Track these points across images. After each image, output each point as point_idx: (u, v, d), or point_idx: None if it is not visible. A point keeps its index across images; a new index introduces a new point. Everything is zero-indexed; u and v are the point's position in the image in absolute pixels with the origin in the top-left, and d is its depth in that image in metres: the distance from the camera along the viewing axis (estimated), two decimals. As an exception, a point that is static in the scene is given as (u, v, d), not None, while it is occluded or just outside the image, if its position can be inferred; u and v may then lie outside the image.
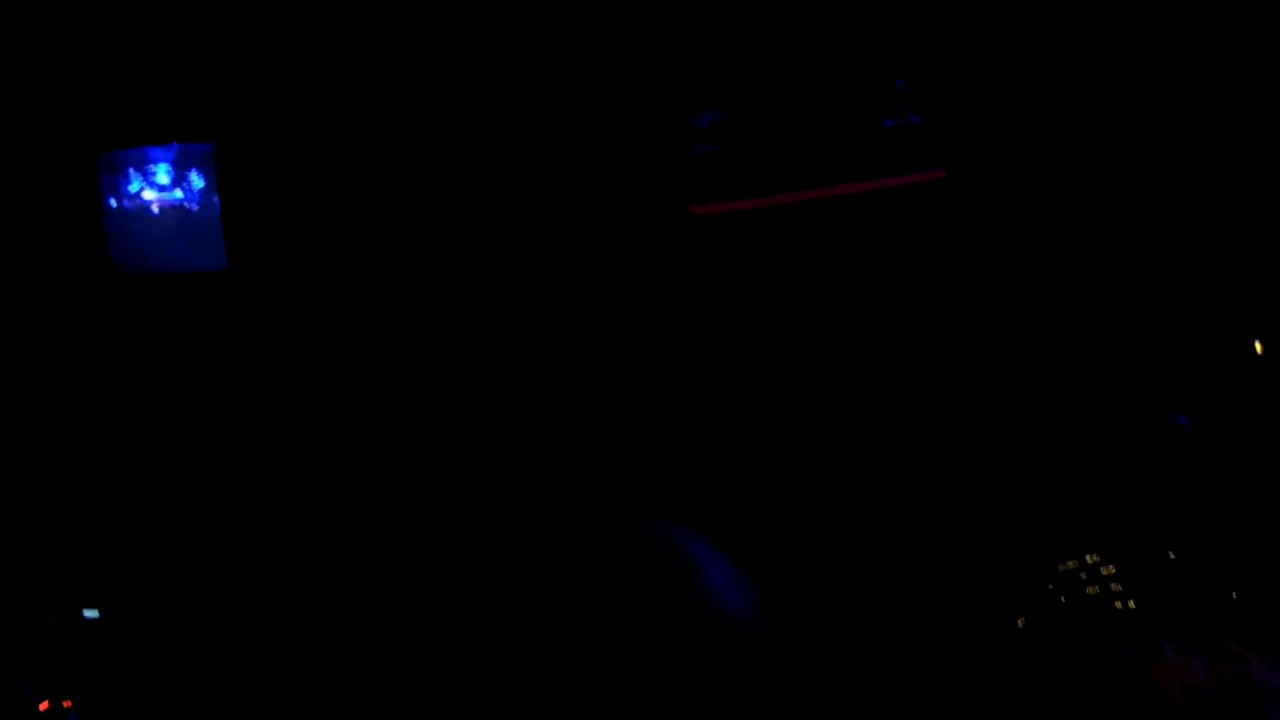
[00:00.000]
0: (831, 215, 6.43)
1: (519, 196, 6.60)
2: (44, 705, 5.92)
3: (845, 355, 6.49)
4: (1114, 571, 6.16)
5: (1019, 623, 6.23)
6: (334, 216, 6.76)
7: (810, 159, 6.45)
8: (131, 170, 6.87)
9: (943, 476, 6.42)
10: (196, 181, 6.84)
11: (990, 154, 6.37)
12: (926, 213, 6.36)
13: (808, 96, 6.45)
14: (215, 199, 6.81)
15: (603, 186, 6.52)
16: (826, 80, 6.45)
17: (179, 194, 6.85)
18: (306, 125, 6.72)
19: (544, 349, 6.62)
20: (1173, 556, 6.11)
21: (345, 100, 6.66)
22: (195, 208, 6.84)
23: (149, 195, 6.85)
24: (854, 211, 6.42)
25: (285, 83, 6.68)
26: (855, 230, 6.42)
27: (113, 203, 6.81)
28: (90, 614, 6.55)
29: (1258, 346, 6.22)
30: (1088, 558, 6.16)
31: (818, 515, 6.41)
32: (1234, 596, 6.00)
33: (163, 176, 6.86)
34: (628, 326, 6.58)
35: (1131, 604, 6.16)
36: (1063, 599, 6.18)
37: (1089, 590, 6.18)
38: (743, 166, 6.48)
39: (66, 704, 6.02)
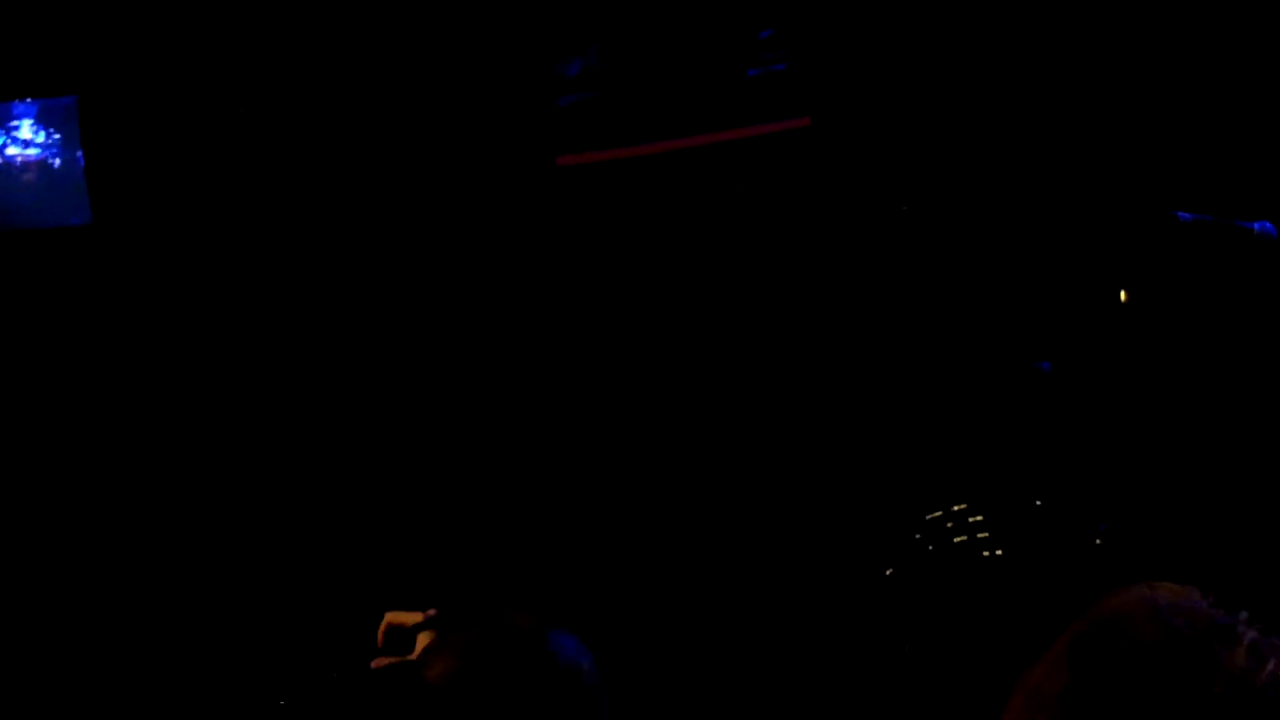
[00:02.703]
0: (699, 164, 6.41)
1: (384, 143, 6.54)
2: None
3: (713, 307, 6.45)
4: (981, 519, 6.14)
5: (887, 573, 6.20)
6: (200, 170, 6.69)
7: (678, 108, 6.42)
8: (-6, 125, 6.78)
9: (808, 426, 6.40)
10: (59, 135, 6.75)
11: (857, 101, 6.35)
12: (792, 160, 6.34)
13: (674, 46, 6.42)
14: (79, 153, 6.74)
15: (466, 136, 6.48)
16: (693, 30, 6.42)
17: (40, 149, 6.76)
18: (171, 77, 6.65)
19: (409, 307, 6.56)
20: (1039, 503, 6.10)
21: (208, 51, 6.59)
22: (58, 162, 6.76)
23: (11, 150, 6.76)
24: (722, 159, 6.39)
25: (149, 33, 6.61)
26: (723, 178, 6.40)
27: (-27, 158, 6.72)
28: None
29: (1122, 295, 6.21)
30: (954, 506, 6.13)
31: (682, 474, 6.38)
32: (1097, 541, 5.99)
33: (25, 131, 6.77)
34: (493, 278, 6.53)
35: (999, 552, 6.14)
36: (930, 548, 6.14)
37: (956, 539, 6.16)
38: (610, 116, 6.44)
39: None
